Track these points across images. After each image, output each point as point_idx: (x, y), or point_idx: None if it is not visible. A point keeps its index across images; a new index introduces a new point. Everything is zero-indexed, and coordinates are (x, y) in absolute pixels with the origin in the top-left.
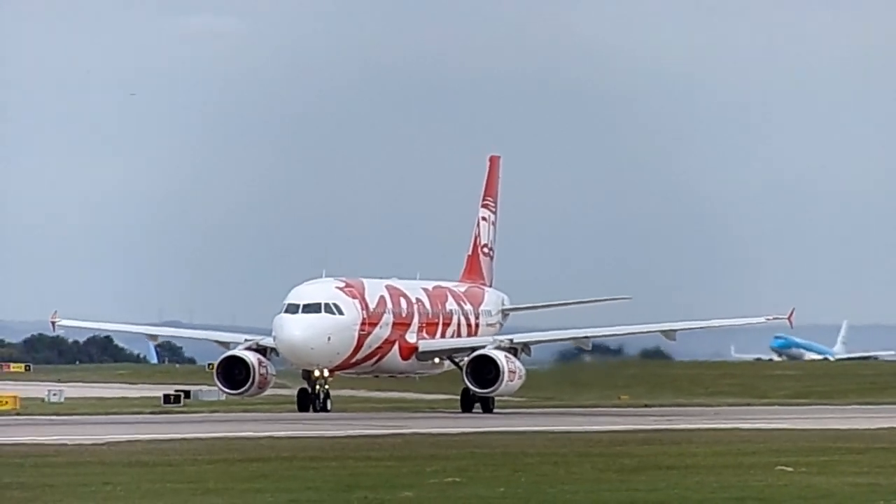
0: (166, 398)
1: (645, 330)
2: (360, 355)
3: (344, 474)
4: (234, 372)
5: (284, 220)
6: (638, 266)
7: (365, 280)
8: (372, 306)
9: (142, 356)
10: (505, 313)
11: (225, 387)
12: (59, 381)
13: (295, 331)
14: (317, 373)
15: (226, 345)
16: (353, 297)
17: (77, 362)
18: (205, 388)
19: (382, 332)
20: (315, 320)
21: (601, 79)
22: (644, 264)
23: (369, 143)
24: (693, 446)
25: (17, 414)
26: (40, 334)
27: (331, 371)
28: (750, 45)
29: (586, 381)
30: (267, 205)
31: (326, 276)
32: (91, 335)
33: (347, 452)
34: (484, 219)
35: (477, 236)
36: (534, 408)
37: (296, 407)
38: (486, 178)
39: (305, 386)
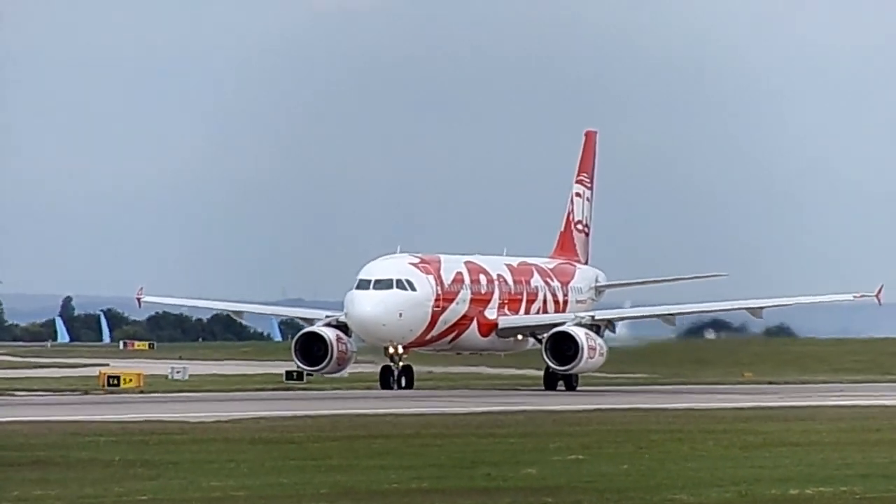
0: (289, 375)
1: (730, 307)
2: (434, 332)
3: (467, 451)
4: (312, 348)
5: (393, 198)
6: (738, 242)
7: (442, 256)
8: (448, 282)
9: (265, 334)
10: (599, 290)
11: (303, 363)
12: (181, 358)
13: (366, 307)
14: (391, 349)
15: (310, 321)
16: (427, 272)
17: (200, 340)
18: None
19: (459, 308)
20: (386, 296)
21: (699, 55)
22: (744, 240)
23: (467, 119)
24: (817, 423)
25: (141, 392)
26: (164, 312)
27: (405, 348)
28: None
29: (710, 358)
30: (380, 183)
31: (401, 252)
32: (214, 314)
33: (470, 429)
34: (578, 195)
35: (570, 212)
36: (654, 384)
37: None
38: (580, 153)
39: (389, 363)
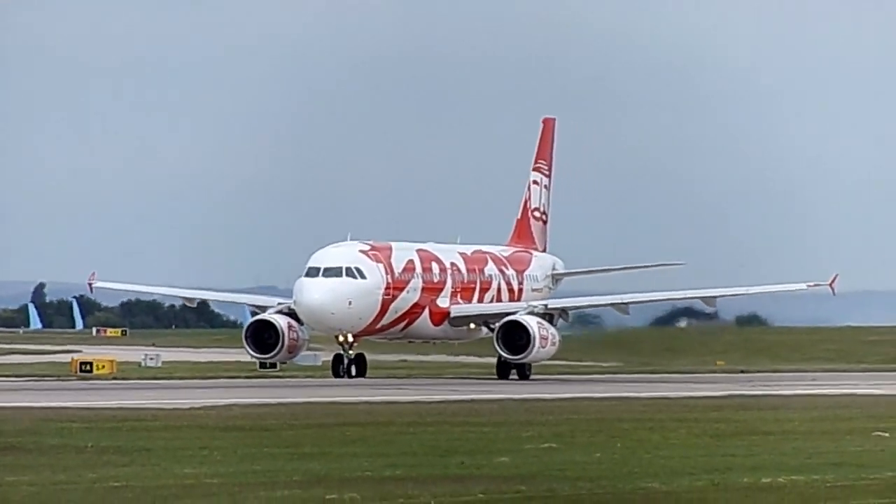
0: (262, 363)
1: (682, 296)
2: (385, 320)
3: (441, 439)
4: (263, 336)
5: (360, 186)
6: (696, 231)
7: (393, 244)
8: (398, 270)
9: (238, 322)
10: (556, 278)
11: (254, 351)
12: (154, 345)
13: (314, 294)
14: (340, 338)
15: (262, 308)
16: (378, 260)
17: (173, 327)
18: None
19: (410, 296)
20: (335, 284)
21: (657, 39)
22: (702, 229)
23: (424, 106)
24: (789, 412)
25: (114, 378)
26: (137, 300)
27: (355, 336)
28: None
29: (682, 347)
30: (346, 172)
31: (351, 240)
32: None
33: (444, 418)
34: (535, 182)
35: (527, 200)
36: (628, 373)
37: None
38: (538, 140)
39: (340, 351)
